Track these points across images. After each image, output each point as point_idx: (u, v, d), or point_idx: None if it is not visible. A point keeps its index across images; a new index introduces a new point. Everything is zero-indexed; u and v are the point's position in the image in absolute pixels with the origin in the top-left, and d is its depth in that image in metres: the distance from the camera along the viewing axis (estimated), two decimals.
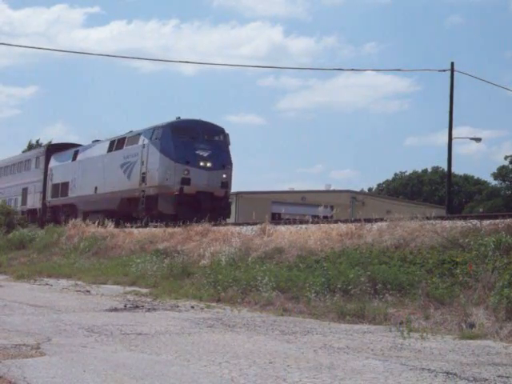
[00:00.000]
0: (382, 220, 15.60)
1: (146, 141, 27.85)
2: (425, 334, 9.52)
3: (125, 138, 30.51)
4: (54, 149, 39.67)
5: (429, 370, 7.11)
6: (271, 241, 16.78)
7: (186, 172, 26.05)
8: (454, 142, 32.05)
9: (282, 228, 17.73)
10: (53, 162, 38.26)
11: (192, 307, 12.98)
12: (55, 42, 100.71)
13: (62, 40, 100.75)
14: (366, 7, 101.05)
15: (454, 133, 32.14)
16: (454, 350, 8.41)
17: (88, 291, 16.29)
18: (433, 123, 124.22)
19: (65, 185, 35.64)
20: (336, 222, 16.63)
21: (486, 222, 12.88)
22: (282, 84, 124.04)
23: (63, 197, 35.71)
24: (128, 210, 28.56)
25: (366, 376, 6.76)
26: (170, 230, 22.16)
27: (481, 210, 63.43)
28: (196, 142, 26.87)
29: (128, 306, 13.13)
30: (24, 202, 41.24)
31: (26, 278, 20.31)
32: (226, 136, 28.22)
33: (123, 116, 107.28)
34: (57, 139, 71.20)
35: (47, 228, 30.33)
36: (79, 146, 37.87)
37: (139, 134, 29.08)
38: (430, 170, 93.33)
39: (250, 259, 15.97)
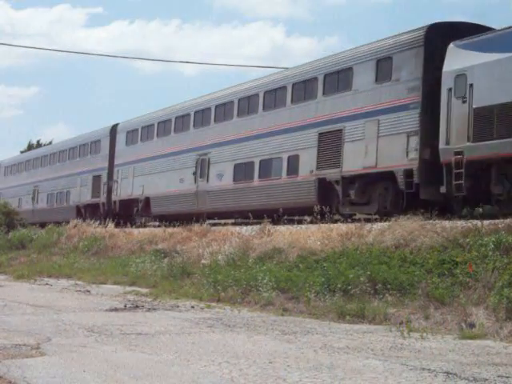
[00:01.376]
0: (382, 220, 15.58)
1: None
2: (425, 334, 9.52)
3: None
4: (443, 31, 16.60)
5: (429, 369, 7.11)
6: (271, 241, 16.76)
7: None
8: None
9: (281, 228, 17.72)
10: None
11: (192, 307, 12.99)
12: (57, 42, 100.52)
13: (64, 40, 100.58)
14: (368, 7, 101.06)
15: None
16: (453, 350, 8.41)
17: (88, 291, 16.31)
18: None
19: None
20: (336, 221, 16.61)
21: (486, 222, 12.88)
22: None
23: None
24: None
25: (366, 376, 6.76)
26: (169, 230, 22.17)
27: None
28: None
29: (128, 305, 13.13)
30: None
31: (26, 278, 20.33)
32: None
33: (124, 117, 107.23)
34: (57, 139, 55.94)
35: (47, 228, 30.19)
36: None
37: None
38: None
39: (249, 259, 15.96)
